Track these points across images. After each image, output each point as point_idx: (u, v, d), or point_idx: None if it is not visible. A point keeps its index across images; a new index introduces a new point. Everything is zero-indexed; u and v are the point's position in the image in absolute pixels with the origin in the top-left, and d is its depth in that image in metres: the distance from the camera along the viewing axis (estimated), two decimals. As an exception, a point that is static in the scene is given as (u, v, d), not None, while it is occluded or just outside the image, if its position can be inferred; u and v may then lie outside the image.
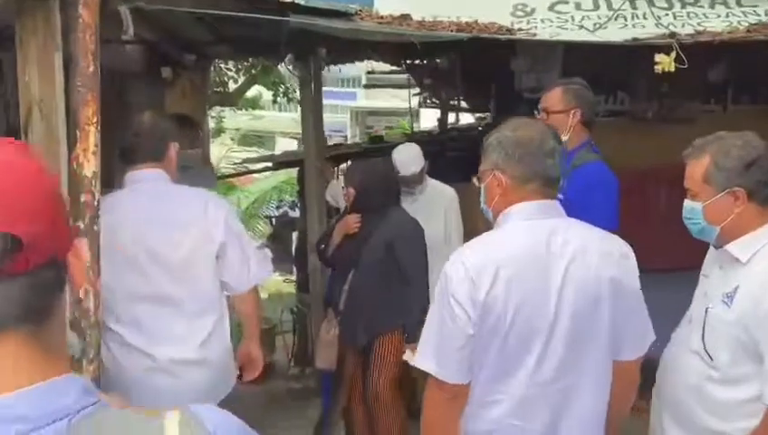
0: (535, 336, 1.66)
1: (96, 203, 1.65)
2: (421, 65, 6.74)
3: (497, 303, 1.63)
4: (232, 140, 14.51)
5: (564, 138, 2.69)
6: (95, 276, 1.67)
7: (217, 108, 13.07)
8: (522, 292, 1.64)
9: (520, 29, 3.45)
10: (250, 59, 8.15)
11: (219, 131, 13.54)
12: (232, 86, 9.59)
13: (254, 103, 14.27)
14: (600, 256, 1.69)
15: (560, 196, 2.92)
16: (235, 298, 2.38)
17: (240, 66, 8.91)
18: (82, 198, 1.62)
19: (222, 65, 8.61)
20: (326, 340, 3.32)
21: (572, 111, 2.70)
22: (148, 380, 2.15)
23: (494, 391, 1.69)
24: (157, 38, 4.64)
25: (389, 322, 3.10)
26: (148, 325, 2.18)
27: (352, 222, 3.16)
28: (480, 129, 6.63)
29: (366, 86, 9.35)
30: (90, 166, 1.62)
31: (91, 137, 1.61)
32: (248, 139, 15.19)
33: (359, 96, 33.34)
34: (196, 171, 4.18)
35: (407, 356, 2.91)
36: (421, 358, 1.69)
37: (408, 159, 3.68)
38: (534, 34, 3.40)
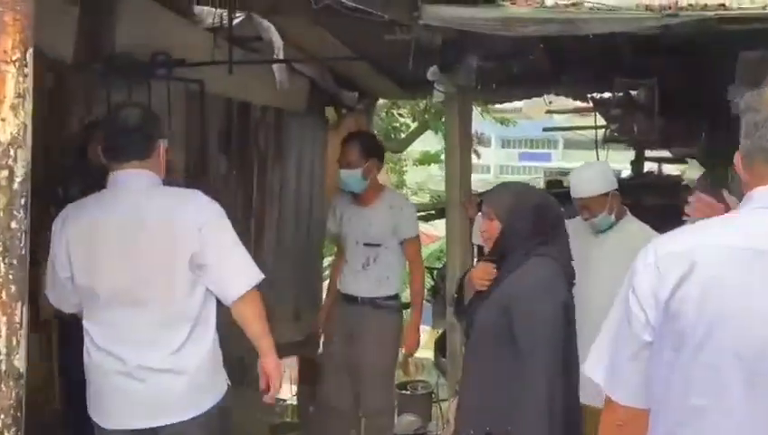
0: (737, 368, 1.21)
1: (17, 184, 1.06)
2: (609, 101, 5.79)
3: (686, 307, 1.23)
4: (413, 194, 14.22)
5: None
6: (14, 300, 1.07)
7: (401, 162, 12.89)
8: (726, 300, 1.22)
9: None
10: (420, 102, 7.75)
11: (400, 185, 13.29)
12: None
13: (437, 158, 13.91)
14: None
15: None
16: (231, 309, 2.25)
17: (414, 113, 8.56)
18: (-8, 177, 1.04)
19: (393, 111, 8.32)
20: (450, 414, 2.55)
21: None
22: (122, 383, 2.16)
23: None
24: (300, 57, 4.35)
25: (492, 420, 2.10)
26: (121, 329, 2.16)
27: (481, 275, 2.27)
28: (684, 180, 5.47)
29: (546, 130, 8.47)
30: (6, 127, 1.05)
31: (10, 82, 1.04)
32: (430, 194, 14.80)
33: (554, 157, 32.41)
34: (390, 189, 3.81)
35: None
36: (590, 365, 1.39)
37: (584, 175, 2.84)
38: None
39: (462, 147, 3.46)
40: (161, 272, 2.15)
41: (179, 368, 2.16)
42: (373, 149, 3.65)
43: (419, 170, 14.59)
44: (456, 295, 2.64)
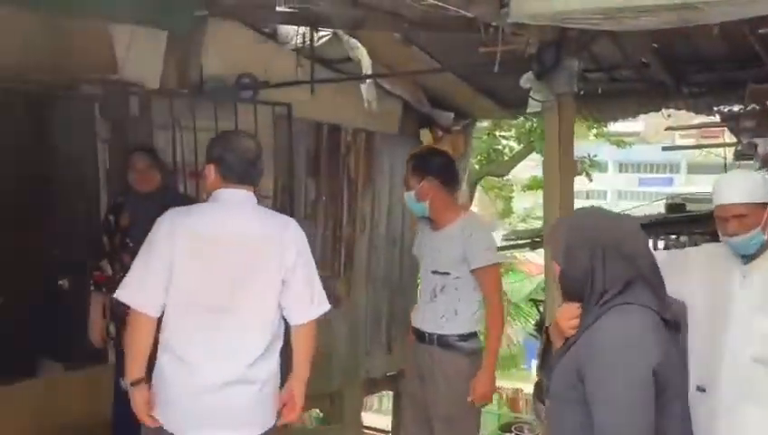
0: None
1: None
2: (739, 113, 5.12)
3: None
4: (521, 221, 13.62)
5: None
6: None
7: (508, 187, 12.38)
8: None
9: None
10: (525, 124, 7.31)
11: (507, 211, 12.75)
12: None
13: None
14: None
15: None
16: (292, 329, 2.40)
17: (519, 135, 8.13)
18: None
19: (496, 133, 7.93)
20: None
21: None
22: (197, 397, 2.25)
23: None
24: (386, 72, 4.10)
25: None
26: (203, 340, 2.26)
27: (568, 317, 1.81)
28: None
29: (665, 149, 7.77)
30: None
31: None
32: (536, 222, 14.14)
33: (676, 181, 30.47)
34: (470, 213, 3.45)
35: None
36: None
37: (739, 177, 2.31)
38: None
39: (562, 165, 2.98)
40: (259, 282, 2.32)
41: (252, 378, 2.29)
42: (429, 168, 3.13)
43: (528, 196, 13.94)
44: (542, 347, 2.21)
